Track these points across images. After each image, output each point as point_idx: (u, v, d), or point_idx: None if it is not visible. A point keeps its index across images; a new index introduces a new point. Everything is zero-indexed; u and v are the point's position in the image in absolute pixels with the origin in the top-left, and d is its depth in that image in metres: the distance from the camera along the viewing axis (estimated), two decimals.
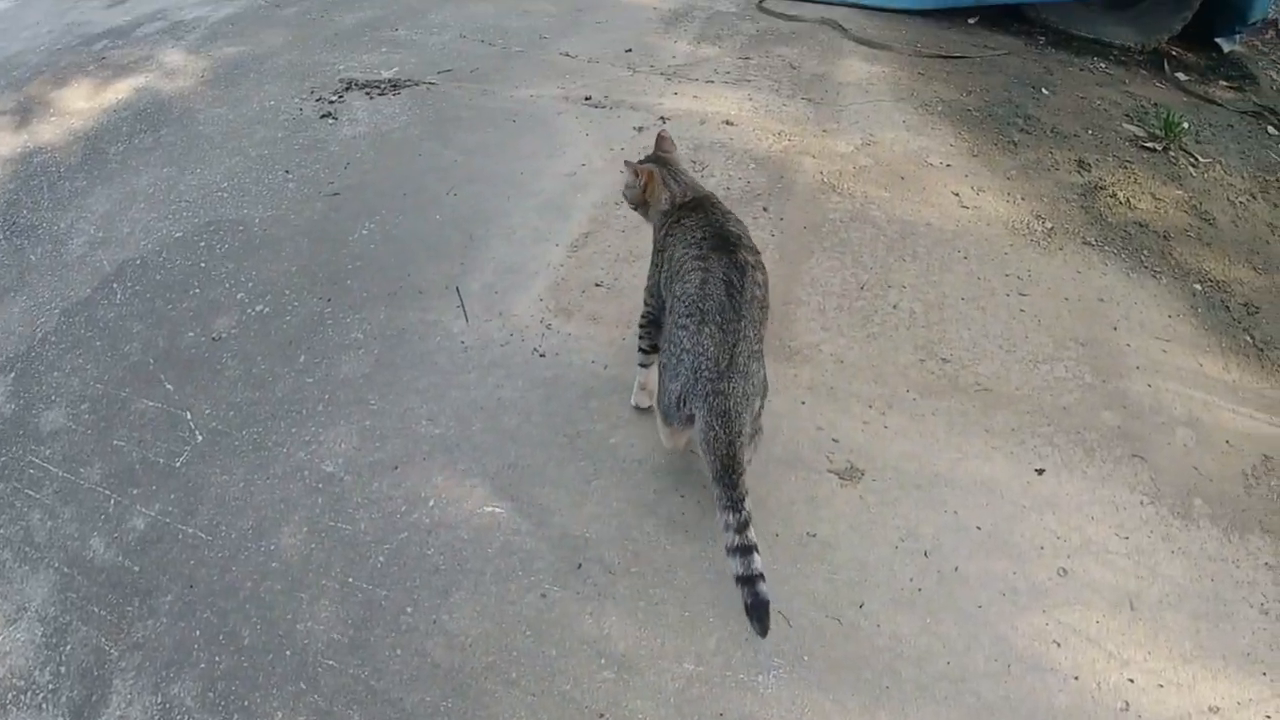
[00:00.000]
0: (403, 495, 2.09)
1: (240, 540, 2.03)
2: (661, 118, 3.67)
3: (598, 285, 2.75)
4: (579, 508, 2.08)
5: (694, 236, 1.94)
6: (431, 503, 2.08)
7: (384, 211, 3.01)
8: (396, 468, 2.16)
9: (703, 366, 1.76)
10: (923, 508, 2.18)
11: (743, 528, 1.69)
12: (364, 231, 2.92)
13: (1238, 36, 4.97)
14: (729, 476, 1.72)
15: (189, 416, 2.38)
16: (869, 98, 3.93)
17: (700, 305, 1.80)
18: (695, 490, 2.16)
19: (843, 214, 3.12)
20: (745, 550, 1.69)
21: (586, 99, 3.81)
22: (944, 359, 2.59)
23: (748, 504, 1.72)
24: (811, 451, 2.30)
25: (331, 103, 3.76)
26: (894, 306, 2.76)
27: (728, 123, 3.65)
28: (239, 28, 4.71)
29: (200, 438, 2.32)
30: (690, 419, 1.80)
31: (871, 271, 2.87)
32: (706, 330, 1.78)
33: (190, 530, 2.10)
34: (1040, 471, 2.31)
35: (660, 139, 2.26)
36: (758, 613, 1.66)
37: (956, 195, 3.28)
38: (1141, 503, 2.26)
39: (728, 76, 4.09)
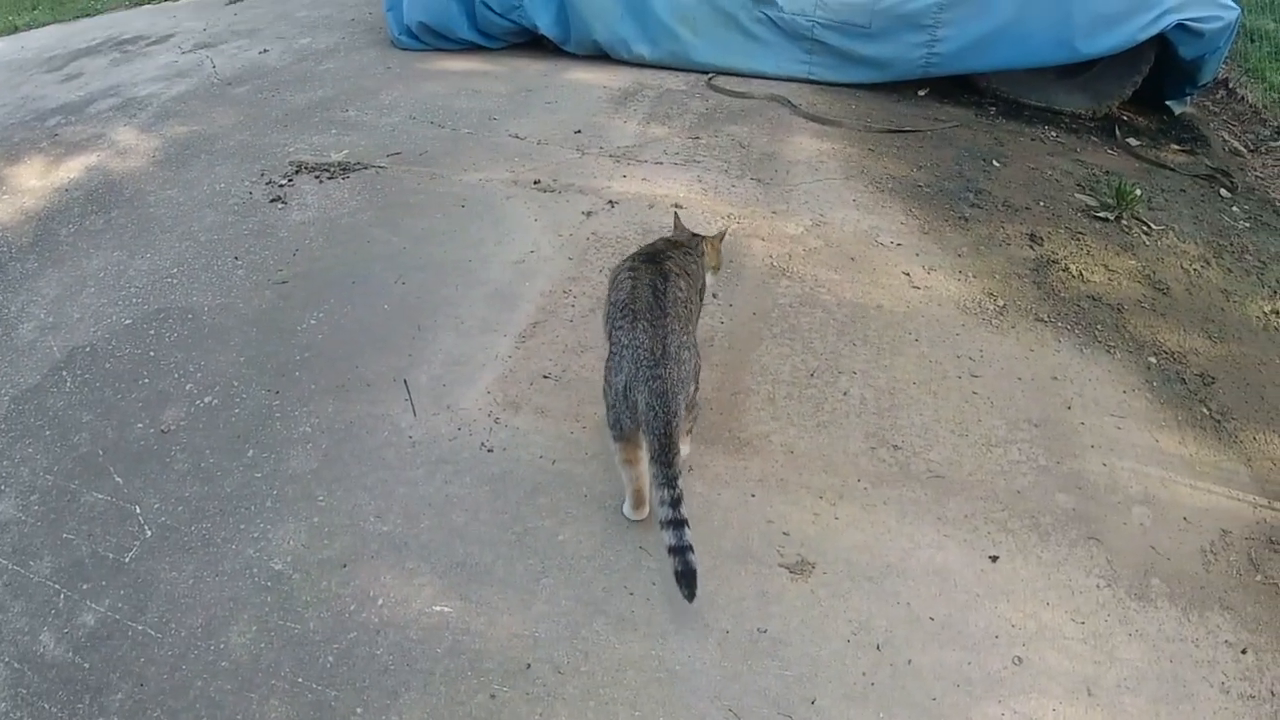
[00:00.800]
0: (351, 594, 2.17)
1: (190, 638, 2.10)
2: (610, 201, 3.88)
3: (546, 377, 2.87)
4: (528, 607, 2.16)
5: (631, 263, 2.37)
6: (380, 601, 2.17)
7: (332, 300, 3.14)
8: (345, 565, 2.25)
9: (641, 357, 2.11)
10: (875, 600, 2.32)
11: (676, 503, 2.03)
12: (312, 321, 3.05)
13: (1188, 98, 5.32)
14: (665, 455, 2.05)
15: (138, 510, 2.47)
16: (818, 176, 4.16)
17: (632, 307, 2.20)
18: (644, 587, 2.25)
19: (792, 298, 3.29)
20: (677, 524, 2.03)
21: (535, 183, 4.00)
22: (895, 446, 2.75)
23: (680, 483, 2.04)
24: (762, 545, 2.42)
25: (281, 186, 3.94)
26: (845, 393, 2.93)
27: (677, 205, 3.86)
28: (191, 106, 4.92)
29: (150, 532, 2.41)
30: (634, 409, 2.10)
31: (822, 358, 3.05)
32: (640, 326, 2.15)
33: (140, 627, 2.15)
34: (994, 558, 2.46)
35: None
36: (686, 579, 2.02)
37: (907, 275, 3.49)
38: (1098, 586, 2.41)
39: (677, 157, 4.32)
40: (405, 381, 2.79)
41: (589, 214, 3.77)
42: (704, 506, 2.46)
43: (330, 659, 2.05)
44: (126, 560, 2.34)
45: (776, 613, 2.25)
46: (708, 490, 2.52)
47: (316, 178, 3.98)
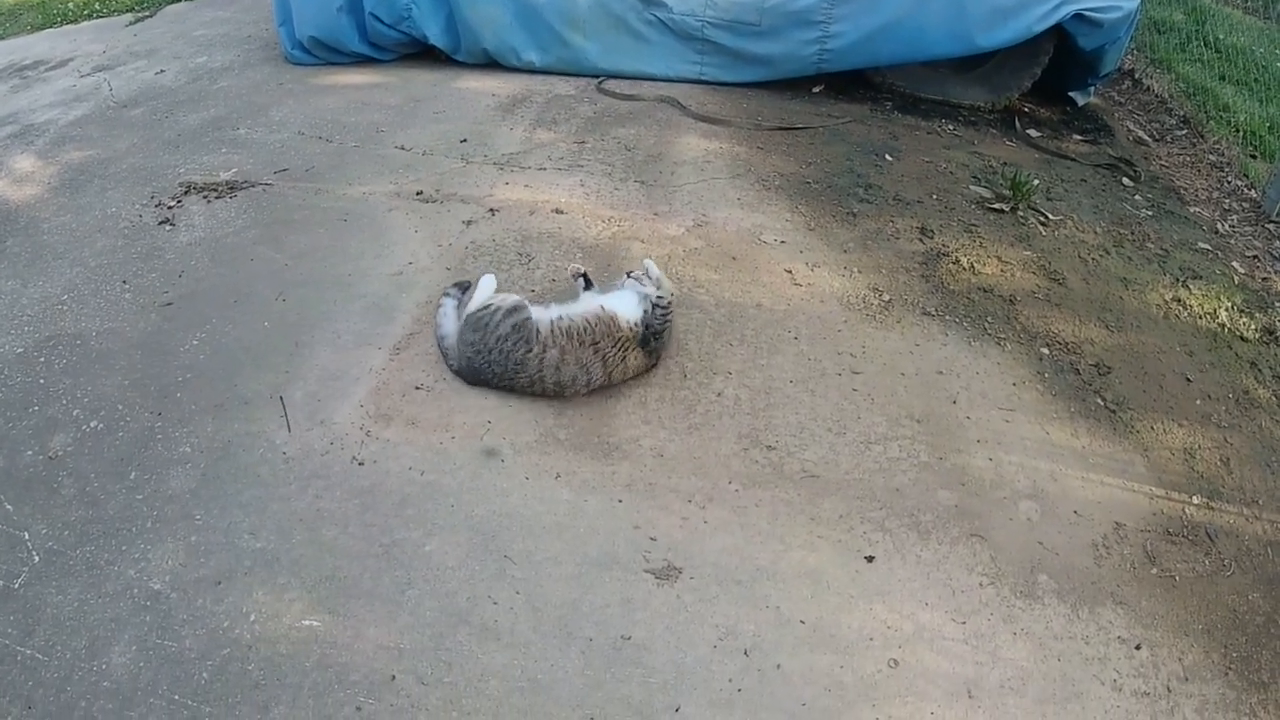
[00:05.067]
0: (225, 611, 2.23)
1: (75, 660, 2.15)
2: (491, 209, 3.87)
3: (418, 388, 2.88)
4: (394, 618, 2.21)
5: None
6: (253, 617, 2.22)
7: (215, 320, 3.21)
8: (220, 583, 2.30)
9: None
10: (743, 604, 2.31)
11: None
12: (194, 342, 3.11)
13: (1091, 89, 5.49)
14: None
15: (27, 537, 2.48)
16: (704, 176, 4.17)
17: None
18: (508, 596, 2.28)
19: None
20: None
21: (418, 194, 4.03)
22: (769, 446, 2.75)
23: None
24: (628, 551, 2.42)
25: (170, 208, 3.98)
26: (719, 394, 2.92)
27: (558, 211, 3.87)
28: (87, 131, 4.93)
29: (38, 558, 2.42)
30: None
31: (696, 359, 3.04)
32: None
33: (28, 651, 2.19)
34: (870, 559, 2.45)
35: None
36: None
37: (789, 273, 3.51)
38: (980, 584, 2.42)
39: (561, 162, 4.34)
40: (281, 398, 2.84)
41: (469, 223, 3.78)
42: (569, 513, 2.49)
43: (205, 675, 2.11)
44: (16, 586, 2.35)
45: (641, 619, 2.25)
46: (574, 497, 2.54)
47: (205, 198, 4.03)
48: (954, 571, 2.45)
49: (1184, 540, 2.66)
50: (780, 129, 4.71)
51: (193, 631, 2.19)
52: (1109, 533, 2.62)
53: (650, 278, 2.97)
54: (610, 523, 2.47)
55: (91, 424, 2.83)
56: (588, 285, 3.11)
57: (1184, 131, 5.47)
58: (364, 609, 2.23)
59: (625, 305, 2.91)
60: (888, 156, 4.53)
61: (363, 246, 3.66)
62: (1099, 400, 3.09)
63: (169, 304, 3.35)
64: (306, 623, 2.20)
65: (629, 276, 3.03)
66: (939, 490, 2.67)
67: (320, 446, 2.68)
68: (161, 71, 5.92)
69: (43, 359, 3.11)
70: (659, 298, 2.91)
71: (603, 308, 2.88)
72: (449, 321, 3.01)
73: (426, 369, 2.97)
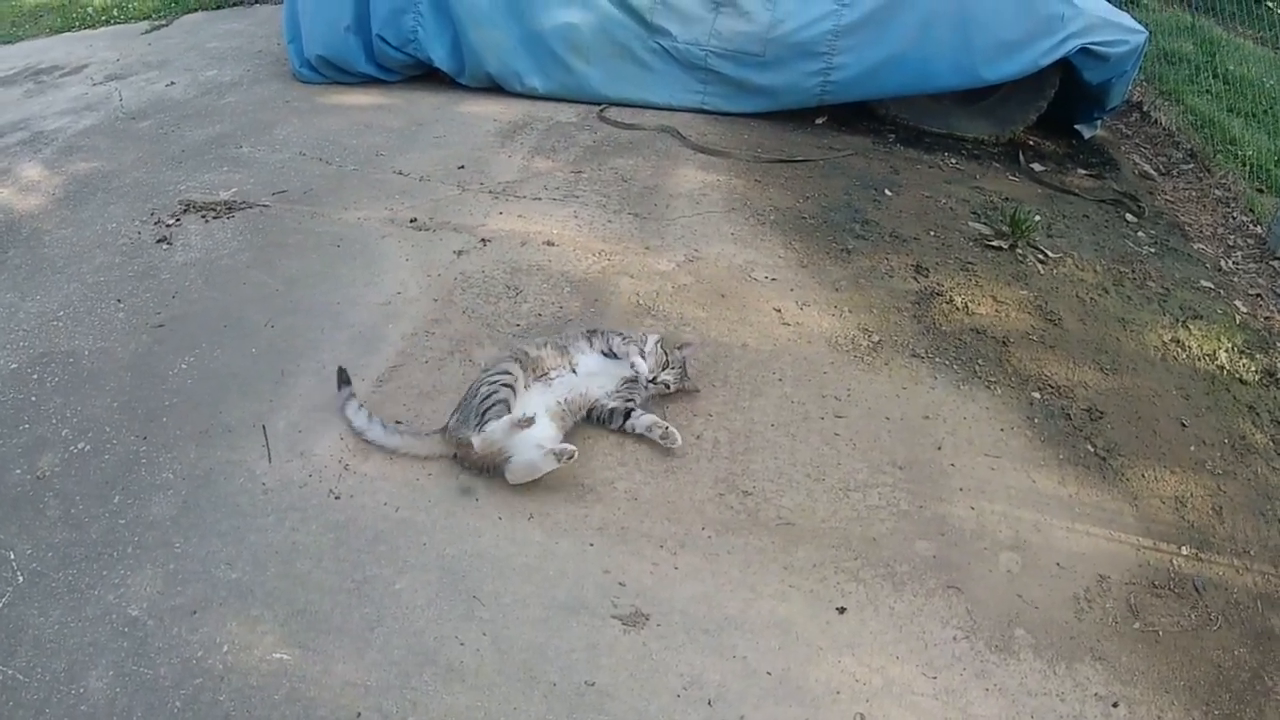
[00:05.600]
0: (199, 640, 2.24)
1: (54, 683, 2.17)
2: (483, 240, 3.89)
3: (398, 423, 2.86)
4: (361, 655, 2.21)
5: None
6: (225, 648, 2.23)
7: (204, 345, 3.23)
8: (195, 612, 2.31)
9: None
10: (709, 653, 2.29)
11: None
12: (183, 366, 3.14)
13: (1097, 122, 5.48)
14: None
15: (12, 557, 2.49)
16: (699, 210, 4.17)
17: None
18: (475, 637, 2.27)
19: None
20: None
21: (412, 221, 4.05)
22: (745, 492, 2.73)
23: None
24: (596, 596, 2.41)
25: (169, 226, 4.03)
26: (697, 437, 2.91)
27: (549, 243, 3.87)
28: (94, 141, 5.00)
29: (22, 579, 2.44)
30: None
31: (677, 400, 3.02)
32: None
33: (10, 672, 2.21)
34: (841, 610, 2.43)
35: None
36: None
37: (778, 311, 3.50)
38: (954, 638, 2.39)
39: (557, 192, 4.33)
40: (264, 427, 2.87)
41: (460, 253, 3.80)
42: (540, 556, 2.47)
43: (178, 704, 2.12)
44: (0, 606, 2.37)
45: (606, 665, 2.23)
46: (545, 539, 2.52)
47: (203, 217, 4.09)
48: (928, 624, 2.41)
49: (1170, 593, 2.61)
50: (780, 161, 4.72)
51: (168, 660, 2.20)
52: (1092, 585, 2.58)
53: (645, 353, 2.94)
54: (580, 566, 2.45)
55: (79, 445, 2.85)
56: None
57: (1191, 165, 5.44)
58: (333, 644, 2.23)
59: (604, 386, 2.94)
60: (887, 191, 4.51)
61: (354, 274, 3.68)
62: (1089, 447, 3.05)
63: (161, 325, 3.39)
64: (277, 656, 2.21)
65: (624, 340, 2.99)
66: (917, 540, 2.64)
67: (299, 478, 2.69)
68: (172, 83, 6.00)
69: (36, 376, 3.14)
70: (649, 376, 2.89)
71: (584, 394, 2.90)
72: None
73: (407, 403, 2.98)
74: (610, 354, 2.98)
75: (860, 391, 3.14)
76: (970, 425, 3.05)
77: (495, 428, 2.62)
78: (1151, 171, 5.38)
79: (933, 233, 4.15)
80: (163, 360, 3.21)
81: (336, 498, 2.63)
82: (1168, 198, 5.08)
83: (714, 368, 3.20)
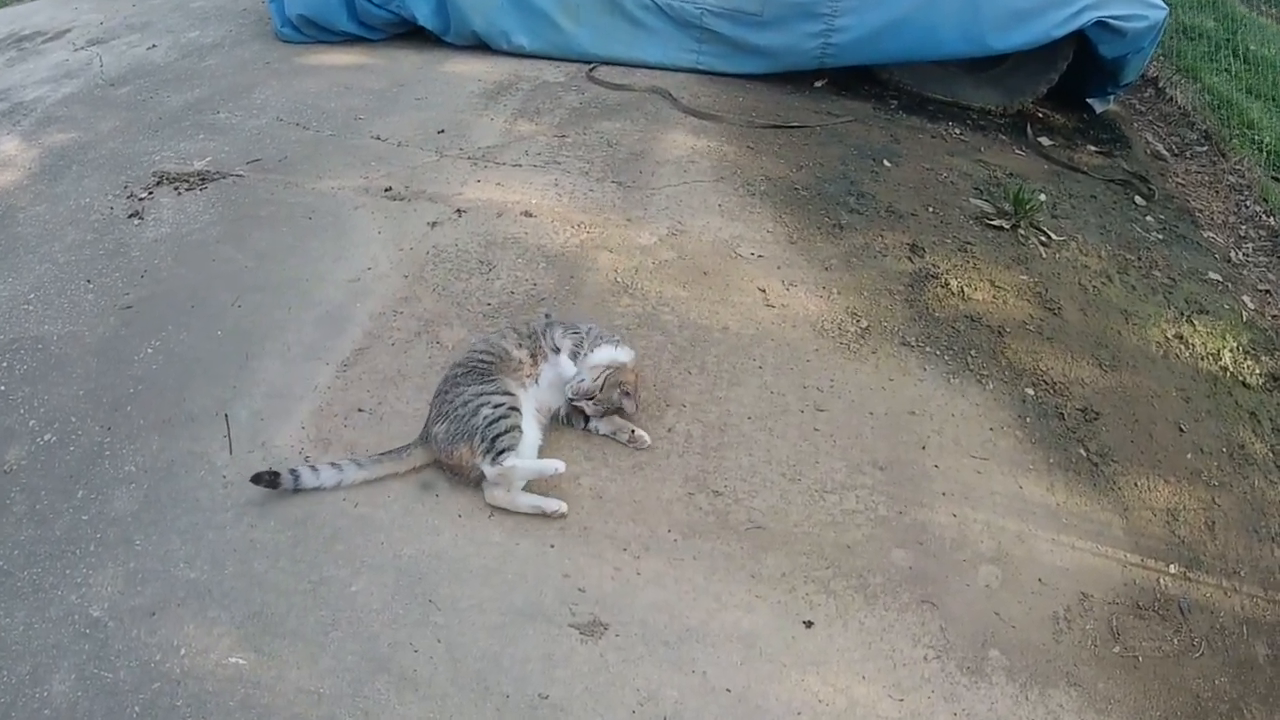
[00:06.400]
0: (158, 643, 2.21)
1: (19, 685, 2.15)
2: (459, 210, 3.71)
3: (360, 410, 2.77)
4: (315, 661, 2.16)
5: None
6: (183, 651, 2.19)
7: (170, 327, 3.12)
8: (154, 614, 2.27)
9: None
10: (668, 667, 2.19)
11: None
12: (149, 350, 3.04)
13: (1110, 97, 5.26)
14: None
15: None
16: (686, 178, 4.01)
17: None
18: (429, 644, 2.21)
19: (631, 319, 3.14)
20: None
21: (386, 190, 3.87)
22: (716, 492, 2.60)
23: None
24: (554, 602, 2.30)
25: (141, 200, 3.86)
26: (669, 430, 2.77)
27: (526, 214, 3.68)
28: (73, 111, 4.81)
29: None
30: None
31: (651, 388, 2.87)
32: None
33: None
34: (809, 624, 2.32)
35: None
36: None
37: (763, 291, 3.34)
38: (925, 657, 2.29)
39: (538, 158, 4.13)
40: (226, 416, 2.79)
41: (434, 224, 3.63)
42: (499, 557, 2.38)
43: (137, 709, 2.10)
44: None
45: (561, 677, 2.15)
46: (505, 539, 2.43)
47: (176, 189, 3.91)
48: (898, 642, 2.31)
49: (1154, 615, 2.51)
50: (774, 126, 4.53)
51: (127, 663, 2.17)
52: (1073, 604, 2.47)
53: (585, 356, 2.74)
54: (540, 570, 2.36)
55: (45, 437, 2.75)
56: None
57: (1205, 148, 5.25)
58: (288, 649, 2.19)
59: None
60: (886, 162, 4.33)
61: (324, 247, 3.52)
62: (1081, 450, 2.93)
63: (129, 307, 3.24)
64: (233, 660, 2.17)
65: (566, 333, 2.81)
66: (894, 549, 2.52)
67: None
68: (154, 46, 5.77)
69: (5, 364, 3.02)
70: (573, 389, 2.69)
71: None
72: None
73: (371, 389, 2.86)
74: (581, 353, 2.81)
75: (844, 382, 2.99)
76: (958, 423, 2.91)
77: (519, 468, 2.46)
78: (1164, 151, 5.19)
79: (931, 209, 3.98)
80: (129, 344, 3.08)
81: (296, 491, 2.52)
82: (1179, 181, 4.91)
83: (691, 352, 3.05)
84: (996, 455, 2.82)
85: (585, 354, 2.70)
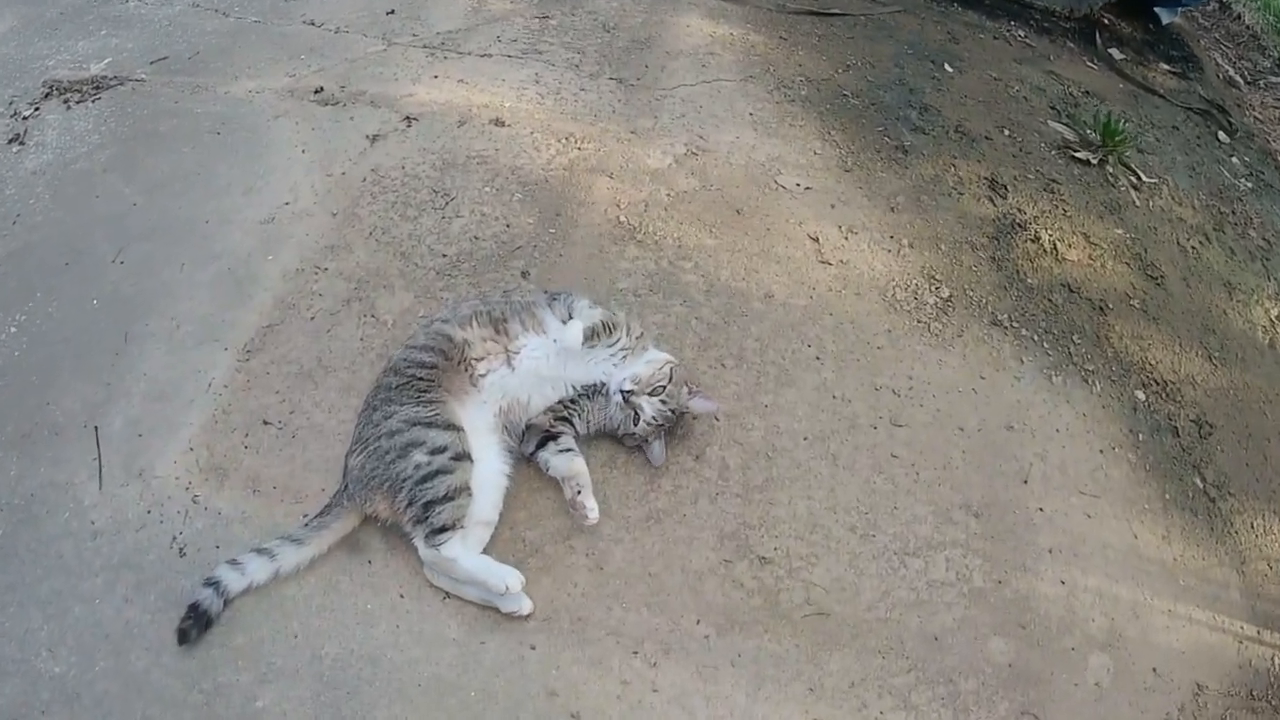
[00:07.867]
0: None
1: None
2: (408, 117, 2.97)
3: (266, 423, 2.18)
4: None
5: None
6: None
7: (39, 294, 2.53)
8: None
9: None
10: None
11: None
12: (13, 329, 2.44)
13: (1179, 10, 4.81)
14: None
15: None
16: (705, 76, 3.33)
17: None
18: None
19: (640, 280, 2.49)
20: None
21: (316, 92, 3.17)
22: (763, 559, 1.99)
23: None
24: None
25: (26, 119, 3.20)
26: (696, 458, 2.12)
27: (498, 122, 2.98)
28: None
29: None
30: None
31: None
32: None
33: None
34: None
35: None
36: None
37: (815, 241, 2.67)
38: None
39: (513, 46, 3.42)
40: (96, 429, 2.21)
41: (375, 138, 2.93)
42: (457, 664, 1.80)
43: None
44: None
45: None
46: (466, 635, 1.84)
47: (65, 102, 3.24)
48: None
49: (1267, 705, 2.09)
50: (811, 13, 3.86)
51: None
52: (1187, 702, 2.02)
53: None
54: (515, 684, 1.79)
55: None
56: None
57: (1278, 78, 4.81)
58: None
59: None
60: (947, 66, 3.69)
61: (232, 174, 2.85)
62: (1198, 480, 2.47)
63: None
64: None
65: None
66: (991, 638, 1.98)
67: (135, 516, 2.05)
68: None
69: None
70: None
71: None
72: None
73: (281, 388, 2.25)
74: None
75: (926, 381, 2.40)
76: (1064, 443, 2.38)
77: (464, 566, 1.84)
78: (1236, 77, 4.71)
79: (1007, 131, 3.37)
80: None
81: (182, 553, 1.97)
82: (1256, 115, 4.43)
83: (725, 333, 2.38)
84: (1109, 491, 2.31)
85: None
